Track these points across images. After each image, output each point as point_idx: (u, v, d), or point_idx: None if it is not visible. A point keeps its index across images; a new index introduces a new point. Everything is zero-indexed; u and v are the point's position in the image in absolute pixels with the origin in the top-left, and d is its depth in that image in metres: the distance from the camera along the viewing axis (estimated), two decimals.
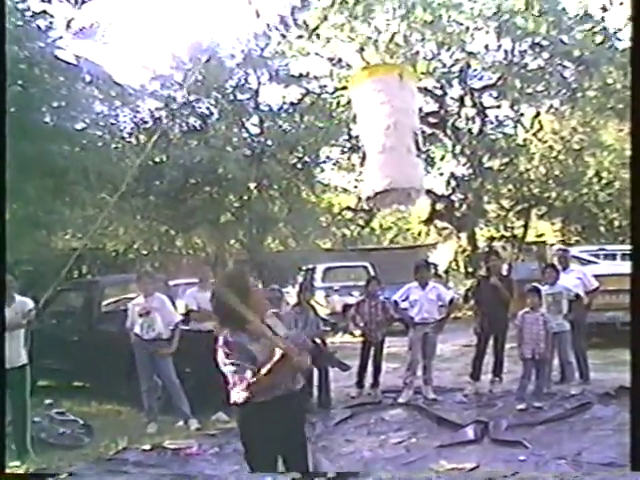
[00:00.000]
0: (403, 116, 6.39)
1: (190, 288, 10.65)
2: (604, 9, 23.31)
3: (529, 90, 25.04)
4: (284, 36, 24.36)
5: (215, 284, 5.66)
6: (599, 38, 23.24)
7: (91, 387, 11.46)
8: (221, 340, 4.99)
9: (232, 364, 4.87)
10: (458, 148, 26.82)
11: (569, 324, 10.22)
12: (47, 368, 11.14)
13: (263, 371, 4.74)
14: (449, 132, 26.68)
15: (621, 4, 22.13)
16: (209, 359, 9.51)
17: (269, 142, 23.58)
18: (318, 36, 24.87)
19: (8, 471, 6.33)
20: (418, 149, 7.07)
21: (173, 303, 10.02)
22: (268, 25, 23.98)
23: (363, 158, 6.32)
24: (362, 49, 25.22)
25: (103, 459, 7.86)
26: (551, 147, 28.71)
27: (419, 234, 33.26)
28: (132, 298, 10.06)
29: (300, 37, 24.69)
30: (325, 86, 25.89)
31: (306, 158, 24.49)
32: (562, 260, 11.24)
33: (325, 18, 24.59)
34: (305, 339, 5.31)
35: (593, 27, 23.41)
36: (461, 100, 26.86)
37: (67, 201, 16.32)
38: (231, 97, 23.53)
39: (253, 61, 23.55)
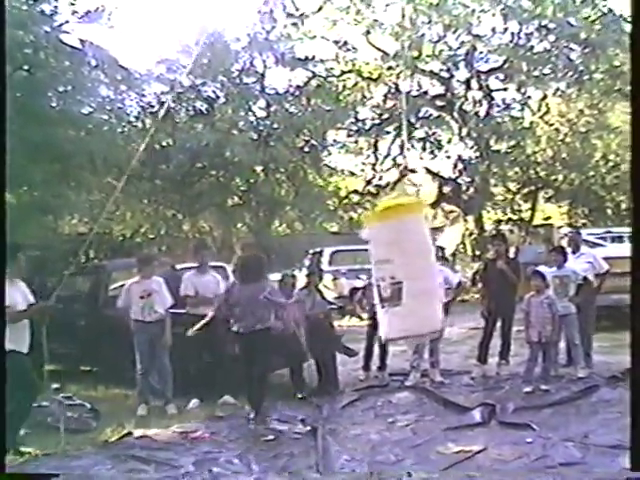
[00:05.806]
0: (433, 257, 6.33)
1: (188, 272, 10.57)
2: None
3: (536, 73, 24.96)
4: (291, 15, 24.28)
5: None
6: (605, 20, 23.12)
7: (98, 371, 11.46)
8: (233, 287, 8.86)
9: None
10: (465, 131, 26.73)
11: (575, 307, 10.16)
12: (54, 352, 11.14)
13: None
14: (456, 115, 26.57)
15: None
16: (213, 343, 9.59)
17: (275, 125, 23.60)
18: (324, 19, 24.78)
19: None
20: None
21: (178, 287, 10.02)
22: (273, 5, 23.94)
23: (381, 299, 6.00)
24: (368, 32, 25.14)
25: (110, 443, 7.86)
26: (558, 130, 28.63)
27: (426, 217, 33.13)
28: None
29: (305, 18, 24.59)
30: (331, 69, 25.91)
31: (313, 141, 24.51)
32: (573, 243, 11.15)
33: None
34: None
35: (599, 9, 23.28)
36: (467, 83, 26.77)
37: (73, 185, 16.35)
38: (237, 80, 23.52)
39: (259, 44, 23.54)
